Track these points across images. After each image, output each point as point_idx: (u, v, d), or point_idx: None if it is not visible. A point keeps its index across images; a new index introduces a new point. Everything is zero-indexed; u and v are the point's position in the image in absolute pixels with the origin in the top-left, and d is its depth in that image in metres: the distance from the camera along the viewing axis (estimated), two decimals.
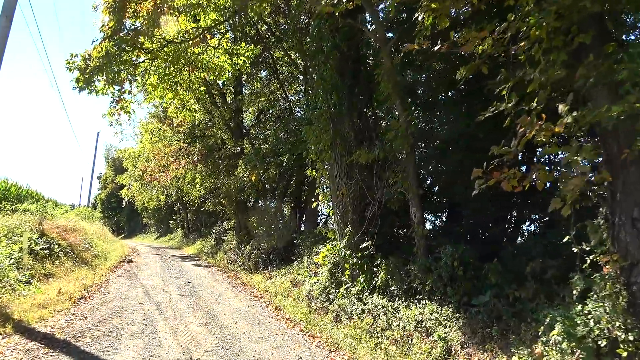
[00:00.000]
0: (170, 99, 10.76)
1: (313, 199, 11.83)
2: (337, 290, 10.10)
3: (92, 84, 8.80)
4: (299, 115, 20.66)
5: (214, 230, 27.79)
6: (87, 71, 8.34)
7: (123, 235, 58.62)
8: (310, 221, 19.99)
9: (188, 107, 11.63)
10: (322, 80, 10.49)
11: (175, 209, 40.85)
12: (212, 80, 12.36)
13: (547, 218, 9.42)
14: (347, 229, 10.02)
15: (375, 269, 9.44)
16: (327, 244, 12.64)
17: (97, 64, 8.37)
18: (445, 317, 7.46)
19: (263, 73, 23.04)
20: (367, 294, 9.35)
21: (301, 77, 23.09)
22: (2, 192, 21.85)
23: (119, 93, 9.61)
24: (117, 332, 7.82)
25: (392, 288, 8.85)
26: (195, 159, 22.60)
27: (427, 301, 8.03)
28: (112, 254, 21.33)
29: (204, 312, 9.90)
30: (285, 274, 15.50)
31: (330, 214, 10.98)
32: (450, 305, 7.63)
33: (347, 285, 9.84)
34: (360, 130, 10.53)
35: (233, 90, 23.03)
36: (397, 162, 9.19)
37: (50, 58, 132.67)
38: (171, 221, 44.40)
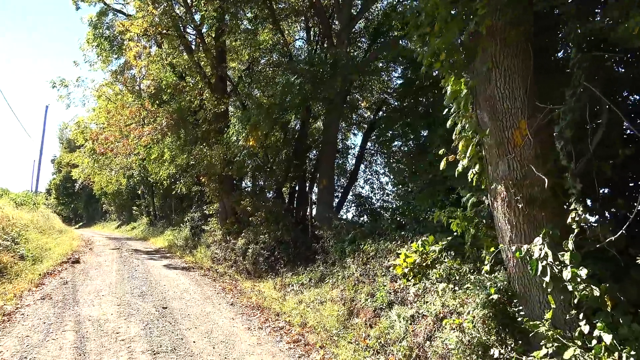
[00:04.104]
0: None
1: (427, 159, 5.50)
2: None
3: None
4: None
5: (188, 217, 21.21)
6: None
7: (80, 224, 50.59)
8: (324, 203, 13.89)
9: None
10: None
11: (139, 192, 33.61)
12: None
13: None
14: (576, 214, 3.90)
15: None
16: (418, 242, 6.78)
17: None
18: None
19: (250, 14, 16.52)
20: None
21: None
22: None
23: None
24: None
25: None
26: (164, 124, 15.89)
27: None
28: (53, 250, 14.68)
29: None
30: (311, 282, 9.54)
31: (471, 177, 4.89)
32: None
33: (572, 352, 3.79)
34: None
35: (213, 36, 16.38)
36: None
37: None
38: (134, 207, 37.04)
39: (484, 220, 5.25)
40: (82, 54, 20.03)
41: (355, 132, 19.19)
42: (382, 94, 16.51)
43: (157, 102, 17.19)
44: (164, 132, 16.07)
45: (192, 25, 15.64)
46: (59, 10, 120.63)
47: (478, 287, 4.86)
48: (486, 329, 4.53)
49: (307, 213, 13.92)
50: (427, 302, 5.97)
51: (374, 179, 18.01)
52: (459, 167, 4.96)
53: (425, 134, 11.88)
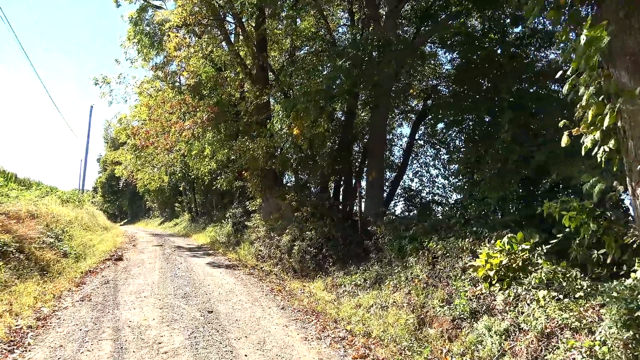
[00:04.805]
0: None
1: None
2: None
3: None
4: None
5: (230, 213, 20.59)
6: None
7: (125, 220, 51.49)
8: (373, 197, 12.86)
9: None
10: None
11: (181, 188, 33.47)
12: None
13: None
14: None
15: None
16: (503, 240, 5.71)
17: None
18: None
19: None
20: None
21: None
22: None
23: None
24: None
25: None
26: (205, 117, 15.23)
27: None
28: (96, 247, 14.35)
29: None
30: (366, 283, 8.52)
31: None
32: None
33: None
34: None
35: (254, 24, 15.59)
36: None
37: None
38: (176, 204, 37.04)
39: (609, 213, 4.10)
40: (123, 51, 19.73)
41: (402, 122, 17.99)
42: (432, 79, 15.25)
43: (197, 96, 16.65)
44: (205, 125, 15.43)
45: (231, 13, 14.91)
46: (100, 10, 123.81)
47: (613, 300, 3.70)
48: (630, 355, 3.41)
49: (356, 208, 12.93)
50: (523, 312, 4.86)
51: (424, 171, 16.78)
52: (587, 143, 3.80)
53: (487, 120, 10.66)
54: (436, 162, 16.51)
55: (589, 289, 4.53)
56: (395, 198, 16.14)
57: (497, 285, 5.54)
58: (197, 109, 16.08)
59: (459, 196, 11.99)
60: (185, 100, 16.23)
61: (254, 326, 6.33)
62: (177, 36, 14.54)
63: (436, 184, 16.47)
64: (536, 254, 5.51)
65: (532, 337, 4.44)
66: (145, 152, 20.14)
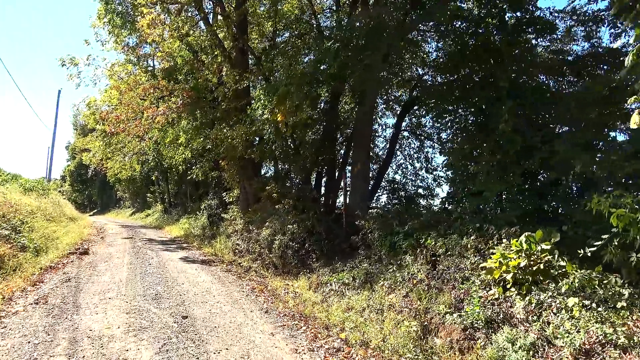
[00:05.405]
0: None
1: None
2: None
3: None
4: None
5: (205, 205, 19.54)
6: None
7: (95, 211, 49.43)
8: (358, 191, 12.10)
9: None
10: None
11: (153, 178, 31.99)
12: None
13: None
14: None
15: None
16: (520, 239, 5.08)
17: None
18: None
19: None
20: None
21: None
22: None
23: None
24: None
25: None
26: (180, 102, 14.16)
27: None
28: (60, 240, 13.20)
29: None
30: (355, 282, 7.74)
31: None
32: None
33: None
34: None
35: (234, 5, 14.56)
36: None
37: None
38: (148, 194, 35.52)
39: None
40: (94, 32, 18.26)
41: (385, 112, 17.24)
42: (420, 68, 14.53)
43: (172, 80, 15.54)
44: (180, 111, 14.35)
45: None
46: None
47: None
48: None
49: (341, 201, 12.19)
50: (549, 323, 4.19)
51: (407, 163, 16.14)
52: None
53: (482, 109, 9.99)
54: (420, 155, 15.90)
55: (630, 299, 3.90)
56: (379, 191, 15.46)
57: (513, 289, 4.87)
58: (172, 94, 15.00)
59: (448, 190, 11.37)
60: (159, 84, 15.09)
61: (236, 335, 5.49)
62: (152, 12, 13.37)
63: (420, 176, 15.88)
64: (556, 256, 4.87)
65: (567, 354, 3.77)
66: (116, 139, 18.90)
